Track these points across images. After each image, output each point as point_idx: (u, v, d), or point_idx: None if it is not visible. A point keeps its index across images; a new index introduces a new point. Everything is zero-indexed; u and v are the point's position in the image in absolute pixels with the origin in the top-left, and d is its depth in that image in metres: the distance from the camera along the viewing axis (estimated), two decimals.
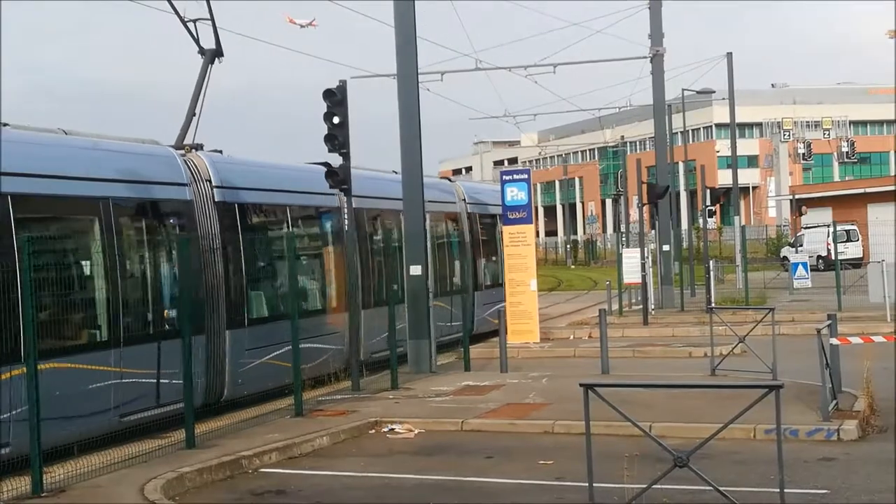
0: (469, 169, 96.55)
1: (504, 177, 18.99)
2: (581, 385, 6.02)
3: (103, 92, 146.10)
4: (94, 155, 10.62)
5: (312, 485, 8.45)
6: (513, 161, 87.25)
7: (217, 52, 13.21)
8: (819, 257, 36.99)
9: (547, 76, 23.91)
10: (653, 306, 22.84)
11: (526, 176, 18.95)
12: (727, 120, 34.69)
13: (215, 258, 11.86)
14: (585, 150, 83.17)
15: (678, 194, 43.03)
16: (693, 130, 69.62)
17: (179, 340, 9.62)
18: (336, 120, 12.74)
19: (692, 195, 54.22)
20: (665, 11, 24.27)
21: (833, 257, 25.30)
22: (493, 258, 20.54)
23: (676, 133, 42.76)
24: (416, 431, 10.47)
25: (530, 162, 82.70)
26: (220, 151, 13.03)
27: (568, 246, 64.38)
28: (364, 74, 23.43)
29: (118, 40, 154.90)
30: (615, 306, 23.88)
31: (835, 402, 10.26)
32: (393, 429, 10.56)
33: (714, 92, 37.64)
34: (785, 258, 37.29)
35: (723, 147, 62.50)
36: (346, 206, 13.56)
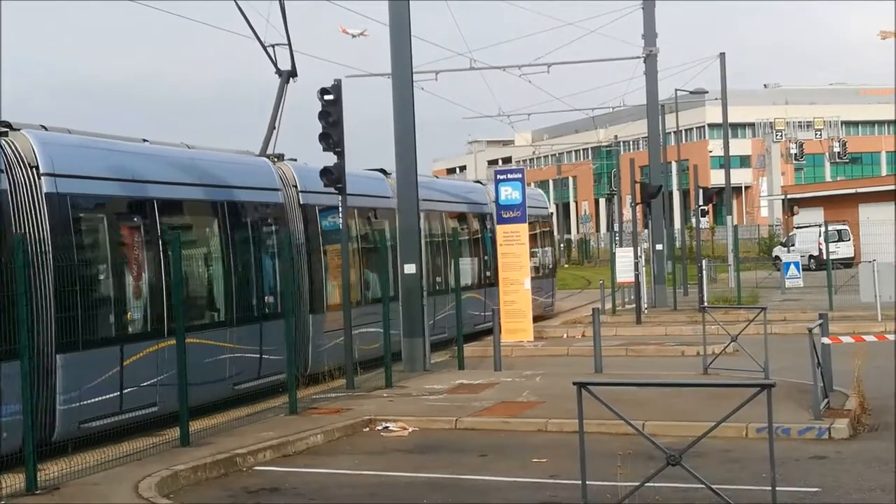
0: (463, 168, 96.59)
1: (498, 176, 19.05)
2: (574, 383, 6.05)
3: (99, 89, 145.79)
4: (211, 165, 12.80)
5: (306, 482, 8.47)
6: (507, 160, 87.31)
7: (292, 73, 14.95)
8: (811, 257, 37.15)
9: (541, 76, 23.95)
10: (646, 305, 22.90)
11: (520, 175, 19.01)
12: (720, 120, 34.82)
13: (301, 253, 13.57)
14: (579, 150, 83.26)
15: (671, 194, 43.03)
16: (686, 130, 69.73)
17: (276, 322, 11.94)
18: (330, 119, 12.76)
19: (685, 195, 54.28)
20: (658, 12, 24.35)
21: (825, 257, 25.42)
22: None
23: (669, 133, 42.90)
24: (411, 429, 10.50)
25: (524, 161, 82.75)
26: (295, 160, 14.79)
27: (561, 245, 64.47)
28: (359, 73, 23.44)
29: (114, 38, 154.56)
30: (608, 305, 23.95)
31: (826, 400, 10.32)
32: (387, 427, 10.59)
33: (707, 92, 37.74)
34: (777, 258, 37.45)
35: (715, 147, 62.67)
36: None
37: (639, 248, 22.69)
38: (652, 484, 6.24)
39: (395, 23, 14.85)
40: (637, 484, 6.09)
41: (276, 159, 14.20)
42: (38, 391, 9.04)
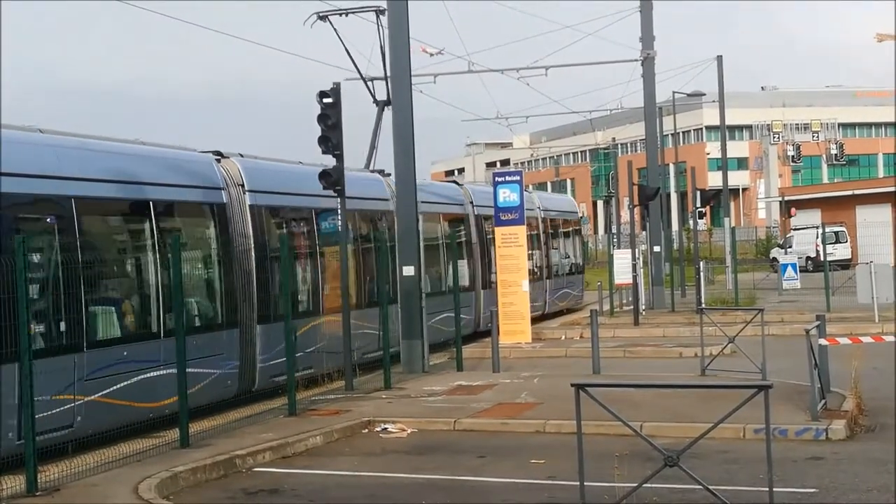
0: (461, 170, 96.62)
1: (496, 178, 19.09)
2: (572, 385, 6.07)
3: (94, 89, 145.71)
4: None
5: (306, 484, 8.49)
6: (505, 163, 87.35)
7: (387, 102, 16.66)
8: (808, 258, 37.19)
9: (539, 78, 23.97)
10: (644, 307, 22.93)
11: (518, 178, 19.04)
12: (717, 122, 34.88)
13: (390, 255, 15.52)
14: (577, 152, 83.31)
15: (669, 196, 43.21)
16: (684, 132, 69.87)
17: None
18: (330, 122, 12.80)
19: (683, 197, 54.39)
20: (656, 14, 24.41)
21: (822, 258, 25.46)
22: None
23: (667, 135, 42.96)
24: (409, 431, 10.53)
25: (522, 163, 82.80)
26: (382, 171, 17.34)
27: None
28: (357, 77, 23.47)
29: (109, 39, 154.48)
30: (606, 307, 23.99)
31: (823, 401, 10.35)
32: (386, 428, 10.61)
33: (704, 94, 37.81)
34: (774, 259, 37.48)
35: (713, 149, 62.80)
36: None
37: (637, 250, 22.73)
38: (650, 485, 6.26)
39: (394, 26, 14.89)
40: (635, 485, 6.12)
41: (380, 174, 17.41)
42: (244, 353, 12.21)
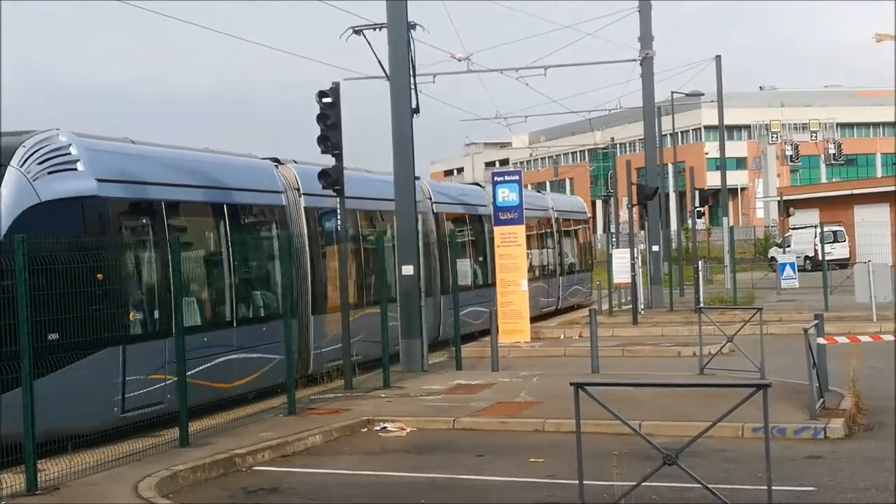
0: (461, 170, 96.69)
1: (495, 178, 19.11)
2: (571, 384, 6.09)
3: (94, 90, 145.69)
4: (387, 182, 15.92)
5: (305, 482, 8.50)
6: (504, 162, 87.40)
7: (415, 110, 17.54)
8: (806, 258, 37.23)
9: (538, 78, 23.98)
10: (642, 306, 22.96)
11: (517, 177, 19.07)
12: (716, 122, 34.89)
13: (437, 250, 18.14)
14: (576, 152, 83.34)
15: (667, 195, 43.21)
16: (682, 132, 69.88)
17: (430, 300, 16.85)
18: (329, 121, 12.82)
19: (681, 196, 54.44)
20: (654, 14, 24.42)
21: (820, 258, 25.50)
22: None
23: (666, 135, 42.93)
24: (409, 430, 10.55)
25: (521, 163, 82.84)
26: (419, 178, 18.06)
27: None
28: (357, 76, 23.51)
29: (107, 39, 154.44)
30: (605, 306, 24.02)
31: (822, 400, 10.38)
32: (385, 427, 10.63)
33: (703, 94, 37.81)
34: (773, 259, 37.52)
35: (711, 149, 62.78)
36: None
37: (635, 250, 22.75)
38: (648, 483, 6.28)
39: (393, 26, 14.91)
40: (634, 483, 6.14)
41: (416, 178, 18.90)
42: (301, 340, 13.37)
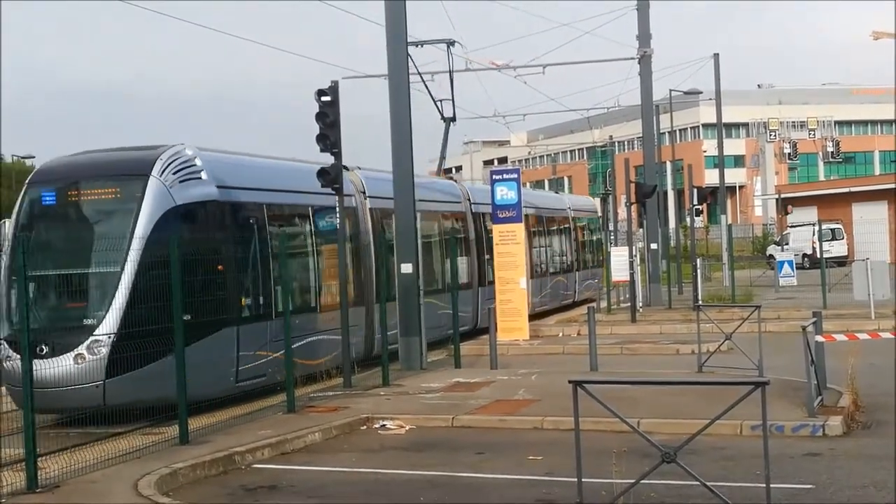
0: (459, 168, 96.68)
1: (494, 176, 19.12)
2: (570, 381, 6.10)
3: (94, 89, 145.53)
4: (437, 186, 19.40)
5: (304, 480, 8.52)
6: (502, 160, 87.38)
7: (452, 119, 20.45)
8: (804, 255, 37.26)
9: (536, 76, 24.02)
10: (641, 304, 22.97)
11: (515, 175, 19.08)
12: (714, 120, 34.89)
13: (476, 246, 20.21)
14: (574, 150, 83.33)
15: (666, 193, 43.15)
16: (680, 130, 69.86)
17: (470, 291, 19.60)
18: (328, 120, 12.82)
19: (679, 194, 54.49)
20: (653, 13, 24.41)
21: (818, 255, 25.53)
22: None
23: (664, 133, 42.95)
24: (407, 427, 10.57)
25: (520, 161, 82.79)
26: (453, 177, 22.09)
27: None
28: (356, 75, 23.52)
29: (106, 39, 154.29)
30: (604, 304, 24.04)
31: (820, 398, 10.40)
32: (384, 425, 10.65)
33: (701, 92, 37.83)
34: (771, 256, 37.57)
35: (710, 147, 62.75)
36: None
37: (634, 248, 22.79)
38: (647, 481, 6.30)
39: (392, 24, 14.91)
40: (632, 481, 6.15)
41: (453, 179, 22.03)
42: (368, 324, 15.11)
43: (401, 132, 14.89)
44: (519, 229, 18.72)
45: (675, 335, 18.55)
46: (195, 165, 12.01)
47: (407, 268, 14.68)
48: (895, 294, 19.56)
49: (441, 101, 20.63)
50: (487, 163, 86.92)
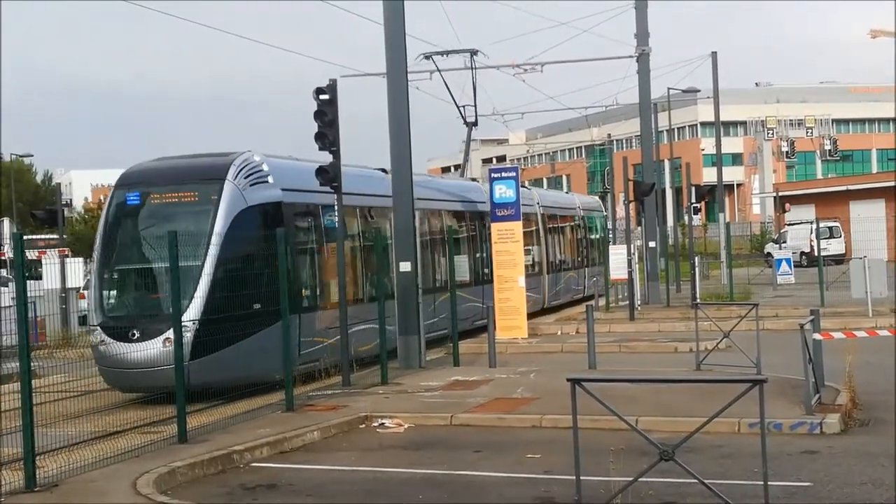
0: (458, 167, 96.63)
1: (493, 174, 19.13)
2: (568, 380, 6.10)
3: (94, 89, 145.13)
4: (476, 188, 21.41)
5: (303, 479, 8.52)
6: (501, 159, 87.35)
7: (475, 123, 21.89)
8: (802, 253, 37.30)
9: (534, 75, 24.03)
10: (639, 302, 23.00)
11: (514, 174, 19.08)
12: (712, 118, 34.96)
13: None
14: (573, 148, 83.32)
15: (664, 192, 43.11)
16: (678, 129, 69.88)
17: (538, 277, 22.98)
18: (326, 118, 12.81)
19: (678, 192, 54.46)
20: (651, 11, 24.41)
21: (816, 253, 25.55)
22: None
23: (662, 131, 42.93)
24: (406, 426, 10.57)
25: (518, 160, 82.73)
26: (475, 178, 23.68)
27: None
28: (354, 73, 23.52)
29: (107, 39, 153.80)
30: (602, 302, 24.05)
31: (818, 396, 10.41)
32: (383, 423, 10.65)
33: (699, 91, 37.84)
34: (769, 254, 37.57)
35: (708, 145, 62.85)
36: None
37: (632, 246, 22.81)
38: (645, 479, 6.31)
39: (390, 22, 14.90)
40: (630, 479, 6.16)
41: (474, 180, 23.16)
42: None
43: (399, 130, 14.88)
44: (517, 227, 18.73)
45: (673, 333, 18.56)
46: (262, 170, 13.47)
47: (405, 266, 14.68)
48: (893, 292, 19.58)
49: (464, 106, 22.28)
50: (486, 161, 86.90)
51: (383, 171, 17.63)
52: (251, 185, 13.04)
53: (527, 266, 21.70)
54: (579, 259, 27.77)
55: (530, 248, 23.14)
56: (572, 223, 27.67)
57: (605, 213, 32.88)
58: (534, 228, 23.39)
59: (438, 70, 20.26)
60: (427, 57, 20.23)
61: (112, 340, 12.16)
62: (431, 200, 18.87)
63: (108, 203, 13.60)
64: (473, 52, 20.64)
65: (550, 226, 25.03)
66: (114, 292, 13.06)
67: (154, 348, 11.76)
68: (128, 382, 12.36)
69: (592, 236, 29.58)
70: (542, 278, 23.71)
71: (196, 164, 13.39)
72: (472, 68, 21.07)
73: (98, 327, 12.52)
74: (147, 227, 13.05)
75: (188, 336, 11.47)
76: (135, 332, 12.05)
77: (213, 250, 12.29)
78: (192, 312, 11.94)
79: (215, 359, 11.95)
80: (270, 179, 13.49)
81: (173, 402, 9.78)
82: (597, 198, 36.43)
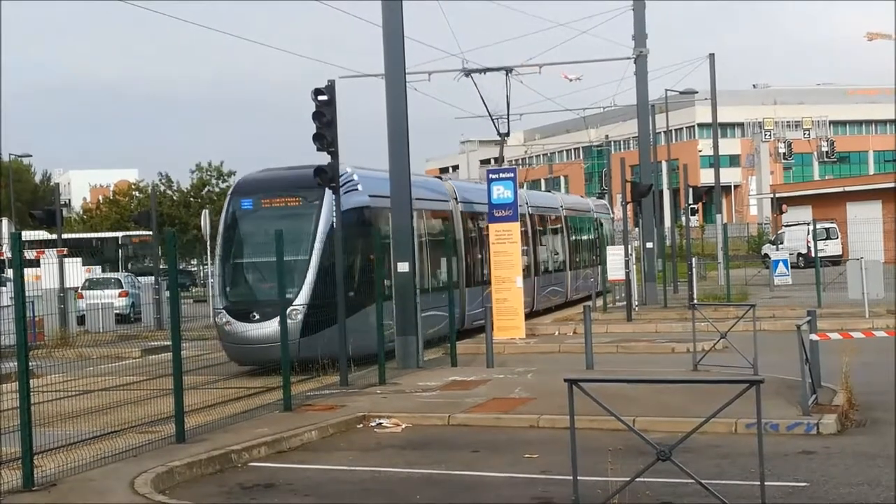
0: (456, 167, 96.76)
1: (490, 175, 19.15)
2: (566, 380, 6.13)
3: (94, 88, 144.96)
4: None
5: (301, 478, 8.53)
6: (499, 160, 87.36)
7: (507, 134, 22.88)
8: (799, 254, 37.36)
9: (532, 76, 24.02)
10: (636, 303, 23.03)
11: (512, 175, 19.10)
12: (710, 120, 35.00)
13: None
14: (570, 150, 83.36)
15: (661, 193, 43.19)
16: (676, 130, 69.97)
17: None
18: (325, 119, 12.82)
19: (675, 194, 54.52)
20: (648, 13, 24.46)
21: (813, 255, 25.60)
22: None
23: (660, 133, 43.04)
24: (404, 426, 10.58)
25: (516, 161, 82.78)
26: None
27: None
28: (352, 74, 23.53)
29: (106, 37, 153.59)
30: (599, 303, 24.08)
31: (814, 396, 10.44)
32: (381, 423, 10.66)
33: (697, 92, 37.88)
34: (766, 255, 37.63)
35: (705, 146, 62.88)
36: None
37: (629, 247, 22.84)
38: (642, 479, 6.33)
39: (388, 24, 14.91)
40: (628, 479, 6.18)
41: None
42: (460, 304, 18.50)
43: (398, 131, 14.89)
44: (514, 228, 18.75)
45: (670, 334, 18.59)
46: (354, 179, 15.89)
47: (403, 266, 14.70)
48: (889, 293, 19.63)
49: (497, 118, 23.43)
50: (484, 162, 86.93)
51: (439, 177, 21.67)
52: (345, 193, 14.65)
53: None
54: (593, 258, 28.99)
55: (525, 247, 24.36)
56: (587, 225, 29.17)
57: (612, 215, 33.69)
58: (522, 230, 24.37)
59: (475, 85, 21.55)
60: (467, 74, 21.53)
61: (235, 321, 14.95)
62: (476, 204, 21.12)
63: (225, 208, 16.24)
64: (509, 70, 22.22)
65: (571, 226, 26.91)
66: (236, 281, 15.82)
67: (271, 327, 13.68)
68: (248, 356, 14.95)
69: (604, 236, 30.60)
70: (531, 280, 24.04)
71: (300, 175, 15.16)
72: (507, 85, 22.33)
73: (223, 310, 15.20)
74: (260, 228, 15.39)
75: (298, 318, 14.41)
76: (255, 314, 14.77)
77: (317, 246, 15.00)
78: (302, 298, 14.71)
79: (319, 336, 14.25)
80: (360, 187, 15.96)
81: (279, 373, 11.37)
82: (605, 201, 36.75)
